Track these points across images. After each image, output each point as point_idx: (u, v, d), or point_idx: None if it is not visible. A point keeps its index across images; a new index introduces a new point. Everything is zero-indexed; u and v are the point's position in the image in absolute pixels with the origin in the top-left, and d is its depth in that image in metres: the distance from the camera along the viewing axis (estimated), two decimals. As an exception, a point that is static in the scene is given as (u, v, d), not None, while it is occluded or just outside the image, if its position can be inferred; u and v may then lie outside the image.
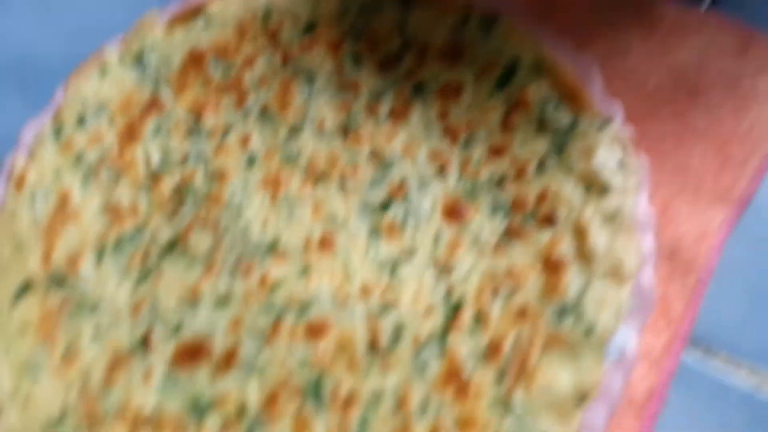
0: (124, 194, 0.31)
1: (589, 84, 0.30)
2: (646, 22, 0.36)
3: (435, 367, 0.26)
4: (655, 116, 0.33)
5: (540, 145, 0.30)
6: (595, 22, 0.36)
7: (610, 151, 0.28)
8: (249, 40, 0.34)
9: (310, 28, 0.35)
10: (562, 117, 0.30)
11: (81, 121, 0.32)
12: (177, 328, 0.27)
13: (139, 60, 0.34)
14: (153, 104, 0.33)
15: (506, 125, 0.31)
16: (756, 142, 0.31)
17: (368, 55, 0.34)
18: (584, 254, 0.27)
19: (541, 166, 0.29)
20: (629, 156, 0.29)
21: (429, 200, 0.30)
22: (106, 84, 0.33)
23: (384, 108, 0.33)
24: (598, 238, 0.27)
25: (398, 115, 0.32)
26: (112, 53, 0.34)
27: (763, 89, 0.33)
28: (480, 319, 0.26)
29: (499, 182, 0.30)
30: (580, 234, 0.27)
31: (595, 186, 0.28)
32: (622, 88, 0.33)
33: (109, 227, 0.30)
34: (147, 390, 0.26)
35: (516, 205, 0.29)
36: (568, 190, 0.28)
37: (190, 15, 0.35)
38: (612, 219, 0.27)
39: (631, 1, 0.36)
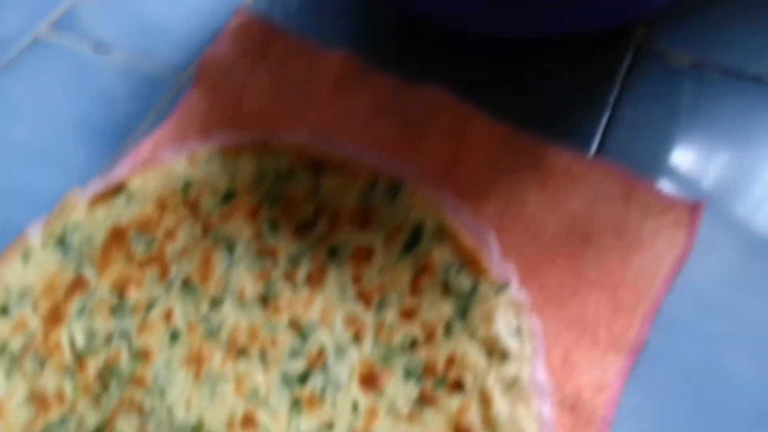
0: (49, 381, 0.32)
1: (486, 248, 0.33)
2: (540, 172, 0.39)
3: None
4: (552, 266, 0.35)
5: (446, 309, 0.32)
6: (494, 174, 0.39)
7: (507, 317, 0.31)
8: (170, 212, 0.36)
9: (228, 196, 0.37)
10: (464, 281, 0.32)
11: (4, 310, 0.33)
12: None
13: (61, 242, 0.35)
14: (77, 284, 0.34)
15: (415, 288, 0.33)
16: (644, 287, 0.34)
17: (284, 220, 0.36)
18: (489, 422, 0.29)
19: (448, 330, 0.32)
20: (526, 320, 0.31)
21: (346, 368, 0.31)
22: (29, 269, 0.34)
23: (301, 274, 0.34)
24: (501, 405, 0.29)
25: (314, 280, 0.34)
26: (34, 237, 0.35)
27: (646, 234, 0.36)
28: (396, 495, 0.28)
29: (411, 346, 0.32)
30: (485, 401, 0.29)
31: (496, 352, 0.30)
32: (521, 239, 0.36)
33: (34, 418, 0.31)
34: None
35: (427, 370, 0.31)
36: (473, 355, 0.30)
37: (112, 192, 0.36)
38: (512, 386, 0.29)
39: (525, 152, 0.40)
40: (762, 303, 0.33)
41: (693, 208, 0.36)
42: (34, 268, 0.34)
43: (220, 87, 0.45)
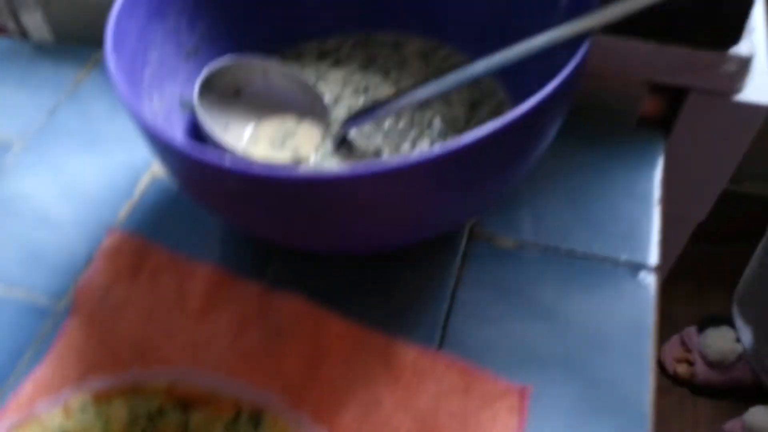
0: None
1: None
2: (392, 370, 0.44)
3: None
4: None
5: None
6: (350, 378, 0.43)
7: None
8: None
9: (104, 443, 0.40)
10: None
11: None
12: None
13: None
14: None
15: None
16: (485, 480, 0.39)
17: (159, 459, 0.39)
18: None
19: None
20: None
21: None
22: None
23: None
24: None
25: None
26: None
27: (485, 424, 0.41)
28: None
29: None
30: None
31: None
32: (377, 447, 0.40)
33: None
34: None
35: None
36: None
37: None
38: None
39: (377, 351, 0.44)
40: (583, 481, 0.39)
41: (521, 392, 0.42)
42: None
43: (97, 314, 0.48)
